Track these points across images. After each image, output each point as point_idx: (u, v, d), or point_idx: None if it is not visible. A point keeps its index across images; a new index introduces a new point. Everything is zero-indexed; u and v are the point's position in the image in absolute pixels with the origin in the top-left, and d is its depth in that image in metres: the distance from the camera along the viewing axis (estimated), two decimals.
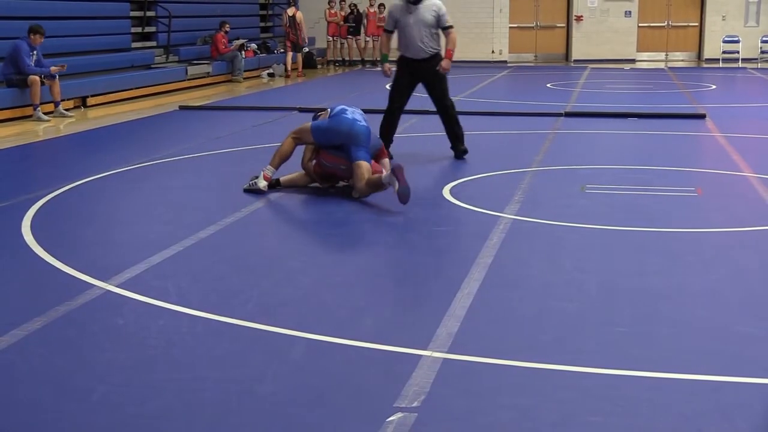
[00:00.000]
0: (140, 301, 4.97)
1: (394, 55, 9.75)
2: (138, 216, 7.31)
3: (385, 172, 7.35)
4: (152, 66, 18.07)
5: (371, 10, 25.10)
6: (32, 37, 13.18)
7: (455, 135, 9.59)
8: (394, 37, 9.70)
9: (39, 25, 13.35)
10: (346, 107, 7.85)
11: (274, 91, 18.61)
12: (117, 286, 5.20)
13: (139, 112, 14.30)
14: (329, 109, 7.89)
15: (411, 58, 9.50)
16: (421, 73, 9.49)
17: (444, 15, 9.45)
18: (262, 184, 7.69)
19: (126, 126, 12.81)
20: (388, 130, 9.64)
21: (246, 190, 7.71)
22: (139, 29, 18.66)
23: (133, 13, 18.40)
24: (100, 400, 3.73)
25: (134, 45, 18.26)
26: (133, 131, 12.42)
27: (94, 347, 4.37)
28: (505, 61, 26.85)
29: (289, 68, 21.51)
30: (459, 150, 9.53)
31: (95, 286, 5.21)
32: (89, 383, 3.90)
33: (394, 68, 9.67)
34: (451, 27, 9.49)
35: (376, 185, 7.23)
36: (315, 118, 7.95)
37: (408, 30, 9.44)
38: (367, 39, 25.26)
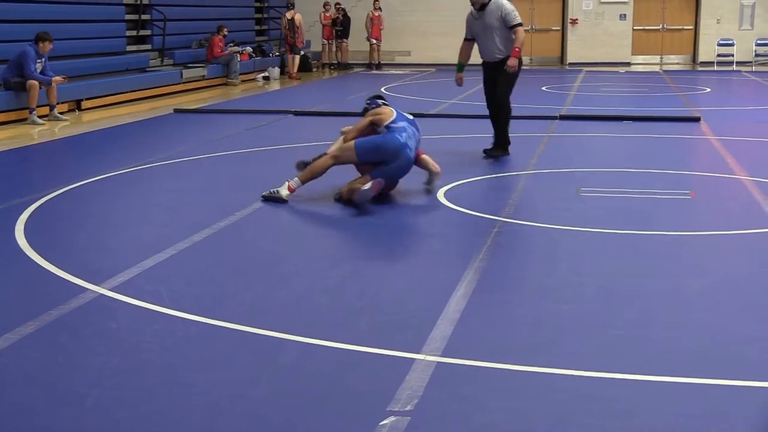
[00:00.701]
0: (133, 305, 4.96)
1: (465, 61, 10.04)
2: (132, 219, 7.29)
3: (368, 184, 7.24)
4: (147, 69, 18.05)
5: (375, 14, 25.14)
6: (40, 45, 13.18)
7: (500, 139, 9.67)
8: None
9: (47, 32, 13.32)
10: (405, 125, 7.59)
11: (269, 95, 18.60)
12: (110, 290, 5.19)
13: (134, 116, 14.28)
14: (392, 114, 7.65)
15: (487, 61, 9.70)
16: (495, 73, 9.63)
17: (508, 14, 9.44)
18: (285, 193, 7.45)
19: (121, 129, 12.79)
20: (497, 136, 9.66)
21: (265, 198, 7.53)
22: (134, 32, 18.63)
23: (128, 17, 18.38)
24: (93, 405, 3.72)
25: (129, 48, 18.23)
26: (128, 134, 12.40)
27: (87, 351, 4.35)
28: None
29: (291, 69, 22.14)
30: (493, 154, 9.62)
31: (88, 289, 5.20)
32: (82, 387, 3.88)
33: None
34: (518, 25, 9.46)
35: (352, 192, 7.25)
36: (366, 109, 7.87)
37: (480, 37, 9.63)
38: (373, 42, 25.28)
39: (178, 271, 5.65)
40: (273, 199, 7.44)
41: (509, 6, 9.55)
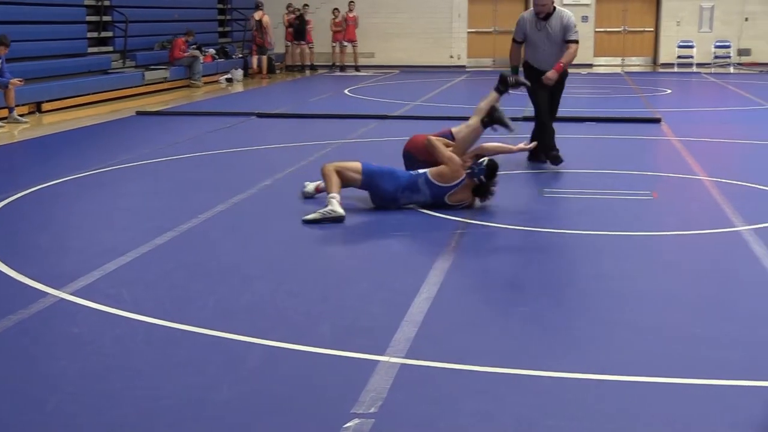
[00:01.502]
0: (95, 309, 4.91)
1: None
2: (93, 223, 7.23)
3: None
4: (109, 71, 17.90)
5: (350, 15, 25.13)
6: None
7: (545, 144, 9.23)
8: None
9: (4, 35, 13.16)
10: (419, 190, 7.20)
11: (233, 96, 18.53)
12: (71, 294, 5.14)
13: (96, 118, 14.16)
14: (458, 177, 7.14)
15: (536, 67, 9.31)
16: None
17: (571, 28, 9.10)
18: (341, 211, 6.87)
19: (82, 132, 12.67)
20: (541, 138, 9.15)
21: (314, 222, 6.82)
22: (95, 34, 18.47)
23: (89, 18, 18.21)
24: (54, 411, 3.68)
25: (90, 50, 18.07)
26: (90, 137, 12.29)
27: (48, 356, 4.30)
28: (464, 66, 26.95)
29: (255, 69, 22.73)
30: (551, 156, 9.29)
31: (49, 294, 5.14)
32: (43, 393, 3.84)
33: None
34: (574, 42, 9.11)
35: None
36: (473, 170, 7.14)
37: (536, 44, 9.26)
38: (345, 44, 25.27)
39: (140, 275, 5.61)
40: (328, 221, 6.81)
41: (572, 20, 9.17)
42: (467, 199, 7.22)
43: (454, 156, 7.28)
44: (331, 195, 6.97)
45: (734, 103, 16.72)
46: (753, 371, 4.07)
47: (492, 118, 7.70)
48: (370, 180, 7.17)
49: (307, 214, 6.90)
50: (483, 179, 7.08)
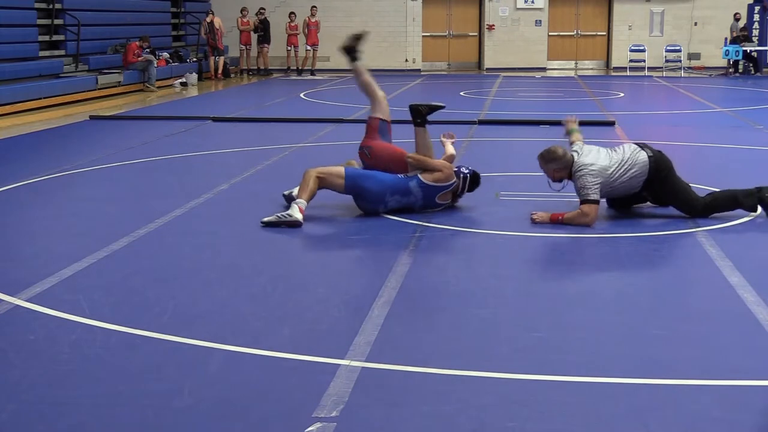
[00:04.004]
0: (51, 315, 4.86)
1: None
2: (48, 228, 7.14)
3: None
4: (61, 75, 17.69)
5: (312, 19, 25.07)
6: None
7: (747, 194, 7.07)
8: None
9: None
10: (411, 195, 7.21)
11: (187, 101, 18.40)
12: (26, 301, 5.07)
13: (48, 122, 13.99)
14: (449, 180, 7.23)
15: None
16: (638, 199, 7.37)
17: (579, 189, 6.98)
18: (299, 216, 6.84)
19: (34, 136, 12.51)
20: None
21: (271, 224, 6.82)
22: (46, 37, 18.25)
23: (40, 21, 17.97)
24: (10, 420, 3.63)
25: (42, 54, 17.85)
26: (42, 142, 12.14)
27: (2, 364, 4.24)
28: (419, 70, 27.06)
29: (213, 71, 23.17)
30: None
31: (3, 301, 5.08)
32: None
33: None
34: (583, 202, 6.93)
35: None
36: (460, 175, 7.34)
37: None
38: (308, 48, 25.21)
39: (97, 281, 5.55)
40: (284, 225, 6.80)
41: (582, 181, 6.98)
42: (449, 199, 7.38)
43: (444, 162, 7.39)
44: (298, 200, 6.95)
45: (685, 106, 16.97)
46: (708, 371, 4.13)
47: (422, 115, 7.64)
48: (353, 183, 7.13)
49: (267, 216, 6.90)
50: (466, 187, 7.44)
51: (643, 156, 7.07)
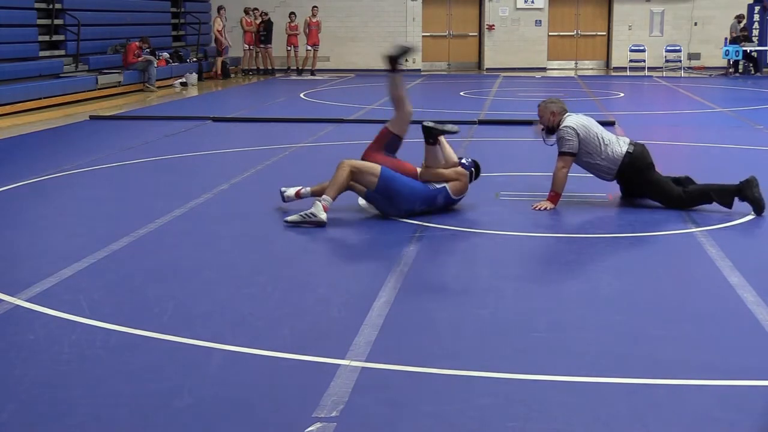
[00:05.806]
0: (52, 315, 4.86)
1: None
2: (48, 228, 7.14)
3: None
4: (61, 75, 17.69)
5: (313, 20, 25.06)
6: None
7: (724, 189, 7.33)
8: None
9: None
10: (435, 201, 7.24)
11: (187, 101, 18.41)
12: (27, 301, 5.07)
13: (49, 122, 13.99)
14: (465, 190, 7.36)
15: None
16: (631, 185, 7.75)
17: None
18: (323, 215, 6.79)
19: (35, 136, 12.51)
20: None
21: (295, 223, 6.78)
22: (46, 37, 18.24)
23: (40, 21, 17.97)
24: (10, 420, 3.63)
25: (42, 54, 17.84)
26: (43, 142, 12.14)
27: (3, 364, 4.24)
28: (419, 70, 27.03)
29: (219, 69, 23.69)
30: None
31: (4, 301, 5.08)
32: None
33: None
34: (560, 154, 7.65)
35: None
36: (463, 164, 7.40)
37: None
38: (308, 48, 25.20)
39: (97, 281, 5.55)
40: (309, 224, 6.76)
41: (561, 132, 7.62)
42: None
43: (458, 170, 7.34)
44: (324, 197, 6.84)
45: (685, 106, 16.97)
46: (708, 371, 4.13)
47: (433, 135, 7.49)
48: (386, 184, 6.93)
49: (289, 216, 6.90)
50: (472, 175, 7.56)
51: (624, 148, 7.53)
